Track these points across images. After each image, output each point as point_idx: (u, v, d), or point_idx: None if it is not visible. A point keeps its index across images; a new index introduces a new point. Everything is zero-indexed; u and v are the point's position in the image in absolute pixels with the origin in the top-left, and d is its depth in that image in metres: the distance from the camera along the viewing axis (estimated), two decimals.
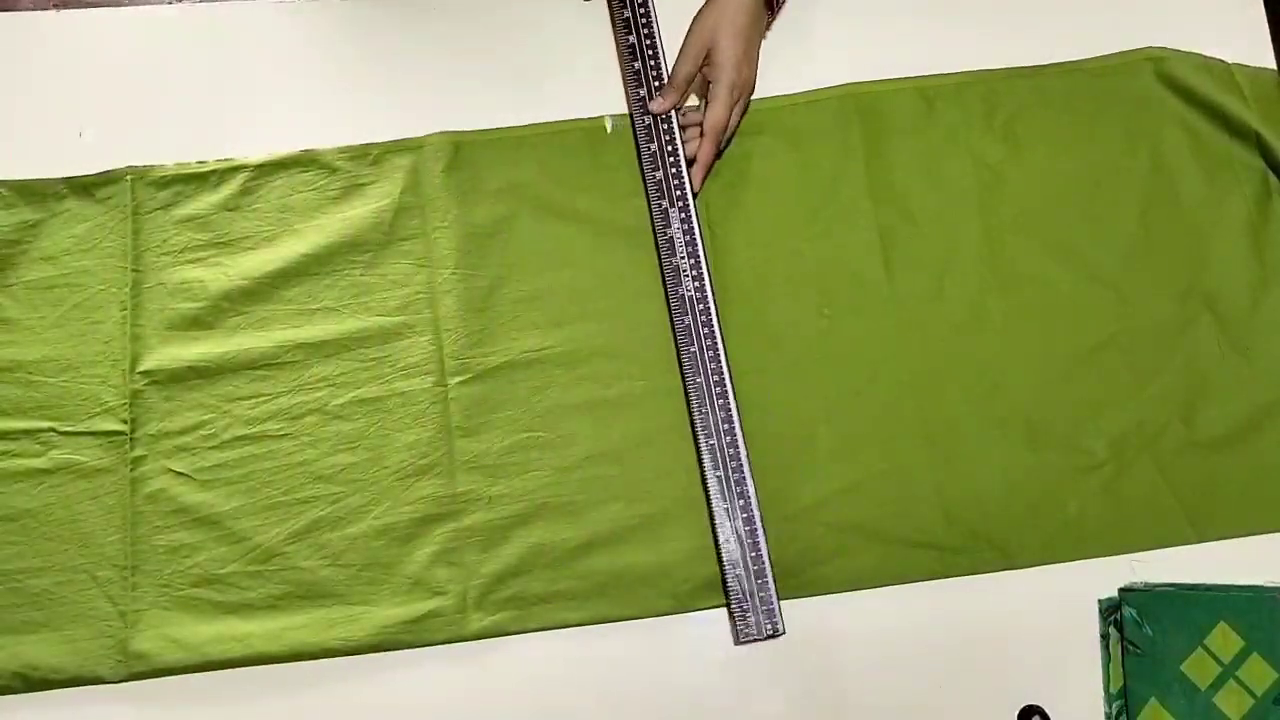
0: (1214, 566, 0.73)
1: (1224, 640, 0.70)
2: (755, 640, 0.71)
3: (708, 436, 0.74)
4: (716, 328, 0.76)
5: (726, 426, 0.74)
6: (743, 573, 0.72)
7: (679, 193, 0.78)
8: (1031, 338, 0.78)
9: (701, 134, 0.78)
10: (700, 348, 0.75)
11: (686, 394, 0.75)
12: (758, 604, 0.71)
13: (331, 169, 0.80)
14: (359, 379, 0.76)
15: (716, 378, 0.75)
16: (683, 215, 0.78)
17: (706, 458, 0.74)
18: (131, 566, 0.73)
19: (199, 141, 0.81)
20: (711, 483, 0.73)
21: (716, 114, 0.77)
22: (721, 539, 0.72)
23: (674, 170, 0.79)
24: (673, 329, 0.77)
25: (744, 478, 0.73)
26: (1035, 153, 0.82)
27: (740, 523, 0.72)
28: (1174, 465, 0.75)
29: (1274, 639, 0.70)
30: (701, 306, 0.76)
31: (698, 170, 0.79)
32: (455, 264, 0.79)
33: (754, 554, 0.72)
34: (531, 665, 0.72)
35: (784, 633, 0.71)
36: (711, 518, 0.73)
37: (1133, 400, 0.76)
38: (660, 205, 0.79)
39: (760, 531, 0.72)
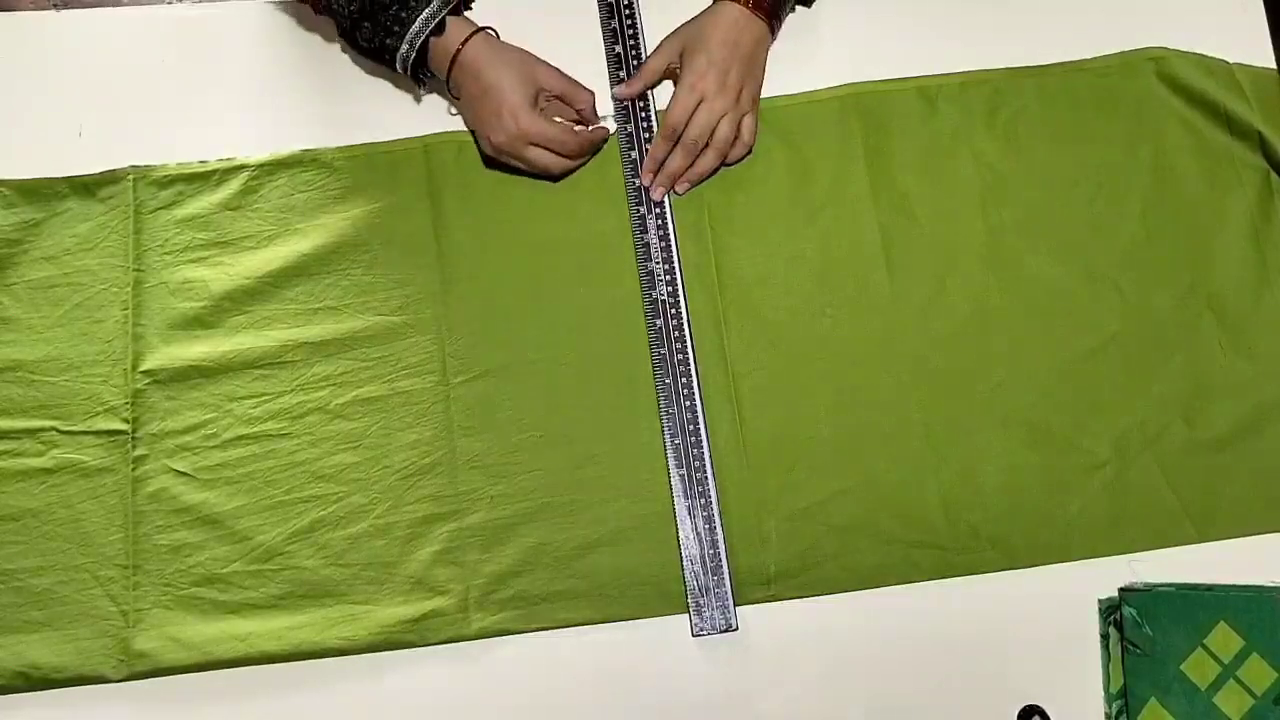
0: (1214, 566, 0.73)
1: (1224, 640, 0.70)
2: (709, 634, 0.72)
3: (673, 436, 0.75)
4: (687, 331, 0.77)
5: (692, 427, 0.75)
6: (700, 569, 0.73)
7: (656, 200, 0.80)
8: (1033, 337, 0.78)
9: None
10: (670, 350, 0.77)
11: (656, 393, 0.76)
12: (713, 600, 0.72)
13: (333, 169, 0.81)
14: (361, 378, 0.76)
15: (685, 380, 0.76)
16: (659, 222, 0.79)
17: (671, 456, 0.75)
18: (133, 566, 0.73)
19: (200, 141, 0.81)
20: (675, 481, 0.74)
21: (670, 113, 0.79)
22: (682, 535, 0.73)
23: None
24: (647, 331, 0.78)
25: (706, 477, 0.74)
26: (1037, 152, 0.82)
27: (700, 520, 0.73)
28: (1176, 465, 0.75)
29: (1274, 639, 0.70)
30: (674, 310, 0.77)
31: (645, 165, 0.80)
32: (457, 263, 0.79)
33: (712, 551, 0.73)
34: (532, 665, 0.72)
35: (737, 628, 0.72)
36: (674, 514, 0.74)
37: (1134, 399, 0.77)
38: (638, 211, 0.80)
39: (719, 530, 0.73)
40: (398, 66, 0.77)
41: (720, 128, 0.78)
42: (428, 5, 0.75)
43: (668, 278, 0.78)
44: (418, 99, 0.83)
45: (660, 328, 0.77)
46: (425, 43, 0.76)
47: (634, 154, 0.81)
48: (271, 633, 0.71)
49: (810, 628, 0.73)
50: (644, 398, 0.76)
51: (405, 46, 0.75)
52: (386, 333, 0.77)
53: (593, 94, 0.81)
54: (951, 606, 0.73)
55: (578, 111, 0.80)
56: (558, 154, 0.78)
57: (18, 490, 0.74)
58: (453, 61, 0.76)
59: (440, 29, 0.76)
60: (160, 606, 0.72)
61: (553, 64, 0.79)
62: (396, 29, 0.75)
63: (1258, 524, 0.74)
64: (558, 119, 0.80)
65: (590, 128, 0.81)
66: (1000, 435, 0.76)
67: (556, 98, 0.80)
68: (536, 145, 0.77)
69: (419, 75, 0.79)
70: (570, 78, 0.80)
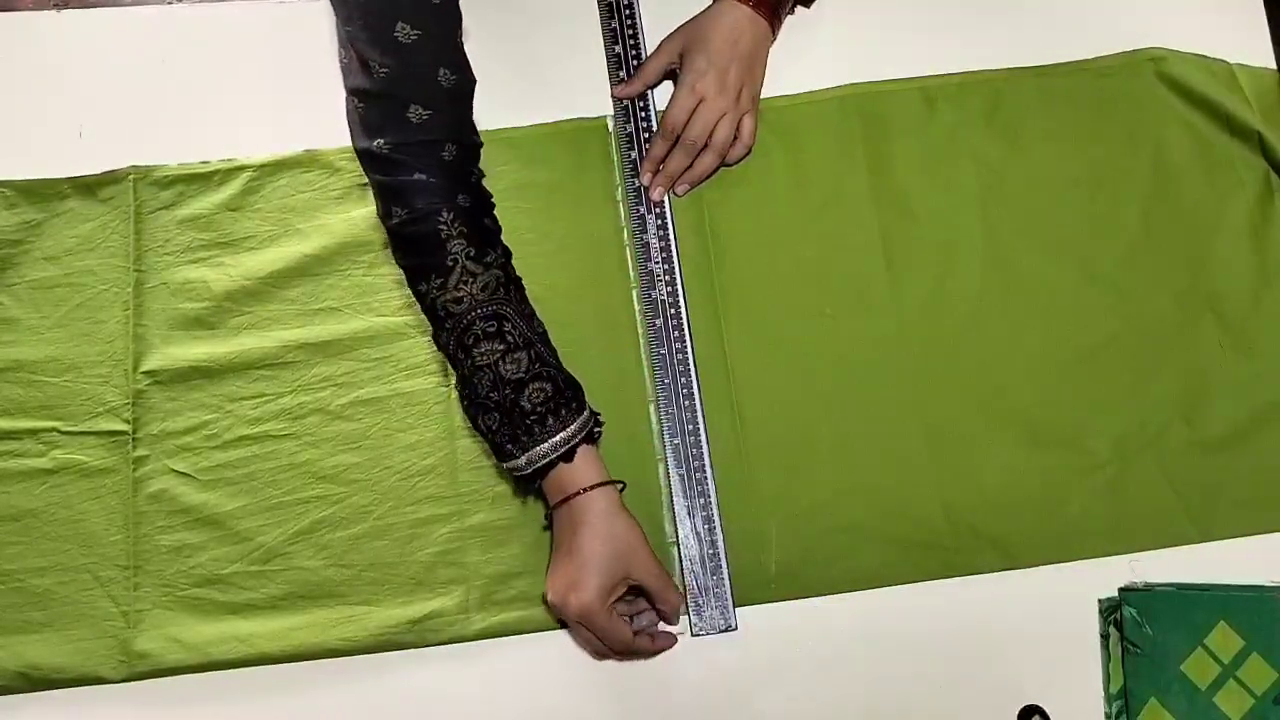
0: (1214, 566, 0.73)
1: (1224, 640, 0.70)
2: (709, 634, 0.72)
3: (672, 436, 0.75)
4: (687, 331, 0.77)
5: (691, 427, 0.75)
6: (699, 569, 0.73)
7: (655, 200, 0.80)
8: (1033, 337, 0.78)
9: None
10: (670, 350, 0.77)
11: (655, 393, 0.76)
12: (713, 599, 0.72)
13: (334, 169, 0.81)
14: (362, 379, 0.76)
15: (684, 380, 0.76)
16: (659, 222, 0.80)
17: (670, 456, 0.75)
18: (134, 566, 0.73)
19: (201, 141, 0.81)
20: (674, 481, 0.74)
21: (669, 113, 0.79)
22: (682, 535, 0.73)
23: None
24: (646, 330, 0.78)
25: (705, 477, 0.74)
26: (1037, 153, 0.82)
27: (700, 520, 0.73)
28: (1176, 465, 0.75)
29: (1274, 639, 0.70)
30: (673, 310, 0.78)
31: (644, 165, 0.80)
32: None
33: (711, 551, 0.73)
34: (532, 665, 0.72)
35: (737, 628, 0.72)
36: (673, 514, 0.74)
37: (1134, 400, 0.77)
38: (638, 211, 0.80)
39: (718, 530, 0.73)
40: (504, 466, 0.70)
41: (719, 128, 0.78)
42: (563, 429, 0.67)
43: (668, 278, 0.78)
44: None
45: (660, 328, 0.77)
46: (549, 466, 0.68)
47: (633, 154, 0.81)
48: (272, 634, 0.71)
49: (810, 628, 0.73)
50: (642, 397, 0.76)
51: (523, 461, 0.67)
52: (387, 334, 0.77)
53: (682, 600, 0.71)
54: (951, 606, 0.73)
55: (658, 611, 0.71)
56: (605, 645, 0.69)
57: (19, 491, 0.74)
58: (563, 500, 0.68)
59: (570, 456, 0.68)
60: (161, 607, 0.72)
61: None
62: (524, 439, 0.67)
63: (1258, 524, 0.74)
64: (625, 609, 0.70)
65: (656, 638, 0.71)
66: (1000, 435, 0.76)
67: (638, 589, 0.69)
68: (586, 629, 0.68)
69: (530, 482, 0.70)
70: (667, 577, 0.70)
